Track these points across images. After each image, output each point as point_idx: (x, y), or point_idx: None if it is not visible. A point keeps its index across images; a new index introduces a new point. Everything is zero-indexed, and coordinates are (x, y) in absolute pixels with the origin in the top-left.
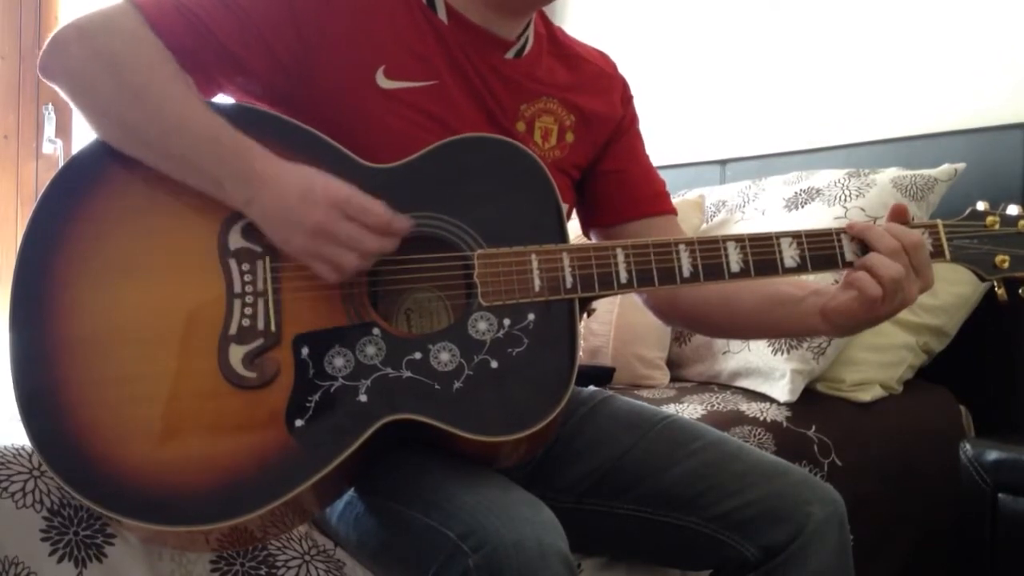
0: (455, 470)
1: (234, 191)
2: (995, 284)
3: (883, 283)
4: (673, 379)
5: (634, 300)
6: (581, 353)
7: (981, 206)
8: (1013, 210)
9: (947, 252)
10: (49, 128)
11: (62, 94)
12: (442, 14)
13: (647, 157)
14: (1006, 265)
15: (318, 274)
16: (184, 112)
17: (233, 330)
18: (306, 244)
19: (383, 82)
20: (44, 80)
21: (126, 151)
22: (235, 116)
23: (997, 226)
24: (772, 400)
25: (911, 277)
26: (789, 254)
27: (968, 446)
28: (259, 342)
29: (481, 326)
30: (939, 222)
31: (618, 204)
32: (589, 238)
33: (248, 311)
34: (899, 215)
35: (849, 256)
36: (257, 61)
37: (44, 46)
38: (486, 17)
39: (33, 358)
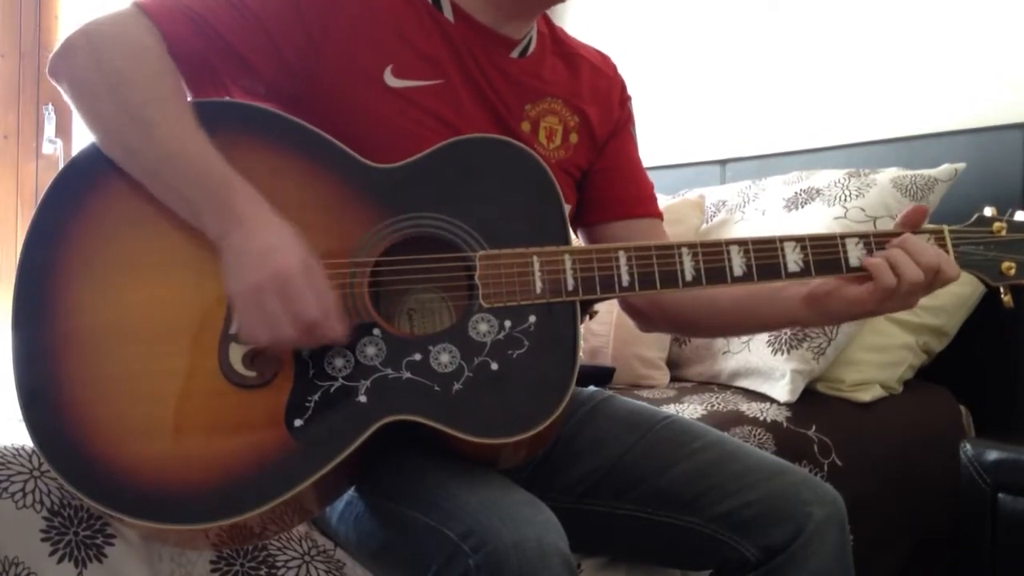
0: (455, 470)
1: (211, 223)
2: (1001, 291)
3: (901, 280)
4: (673, 379)
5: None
6: (581, 354)
7: (988, 212)
8: (1020, 216)
9: (953, 258)
10: (49, 128)
11: (66, 97)
12: (448, 13)
13: (638, 159)
14: (1012, 272)
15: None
16: (177, 136)
17: (233, 330)
18: (237, 297)
19: (391, 81)
20: (52, 81)
21: (121, 165)
22: (239, 116)
23: (1004, 232)
24: (772, 400)
25: (923, 291)
26: (792, 258)
27: (968, 446)
28: None
29: (482, 327)
30: (945, 228)
31: (603, 203)
32: (576, 236)
33: None
34: (918, 214)
35: (853, 261)
36: (264, 62)
37: (56, 48)
38: (492, 17)
39: (34, 356)
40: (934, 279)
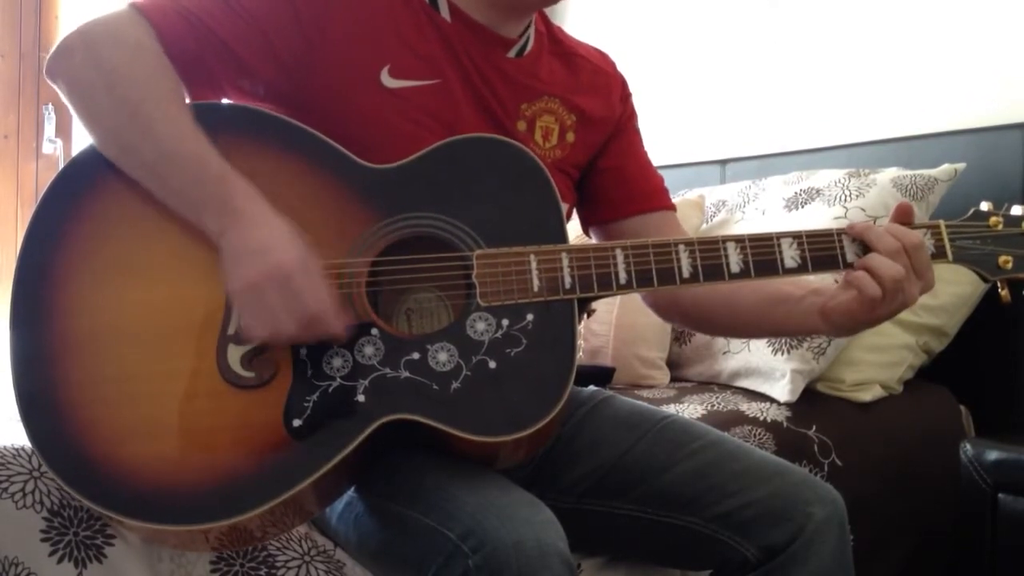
0: (455, 470)
1: (210, 220)
2: (998, 285)
3: (883, 283)
4: (673, 379)
5: (635, 299)
6: (581, 353)
7: (984, 206)
8: (1017, 210)
9: (949, 253)
10: (49, 128)
11: (63, 98)
12: (445, 12)
13: (645, 154)
14: (1009, 266)
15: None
16: (175, 134)
17: (232, 330)
18: (237, 293)
19: (388, 81)
20: (49, 82)
21: (119, 165)
22: (235, 118)
23: (1000, 227)
24: (772, 400)
25: (911, 278)
26: (789, 254)
27: (968, 446)
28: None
29: (479, 326)
30: (941, 222)
31: (616, 201)
32: (589, 236)
33: None
34: (903, 214)
35: (850, 257)
36: (260, 62)
37: (52, 49)
38: (489, 16)
39: (33, 357)
40: (913, 258)
